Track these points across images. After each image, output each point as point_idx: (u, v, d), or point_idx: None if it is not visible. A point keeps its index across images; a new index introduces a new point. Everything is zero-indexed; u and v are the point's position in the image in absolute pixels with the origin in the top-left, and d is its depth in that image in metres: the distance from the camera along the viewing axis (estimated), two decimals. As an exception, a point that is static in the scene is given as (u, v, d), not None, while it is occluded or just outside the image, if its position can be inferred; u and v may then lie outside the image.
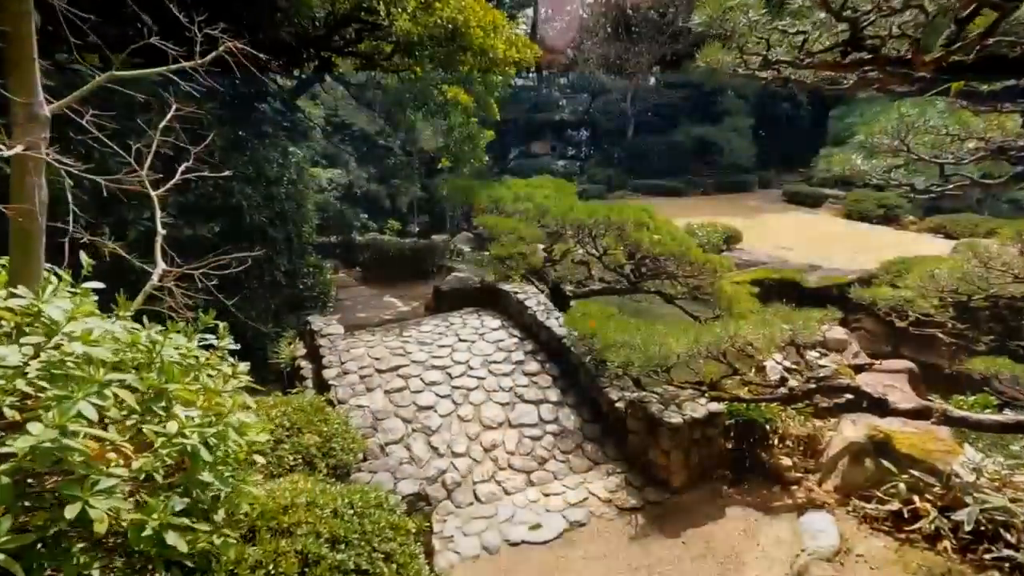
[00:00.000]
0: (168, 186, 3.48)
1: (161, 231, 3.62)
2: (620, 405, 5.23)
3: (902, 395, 6.38)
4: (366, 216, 13.33)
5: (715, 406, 4.97)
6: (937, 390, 7.58)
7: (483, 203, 8.12)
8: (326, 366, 5.32)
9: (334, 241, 13.06)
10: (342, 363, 5.35)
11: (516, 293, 6.97)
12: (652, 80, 27.22)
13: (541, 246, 9.11)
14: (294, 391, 5.60)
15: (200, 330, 2.49)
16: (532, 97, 28.17)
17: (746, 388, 5.53)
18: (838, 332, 8.25)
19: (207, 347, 2.52)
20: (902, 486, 4.17)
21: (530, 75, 29.08)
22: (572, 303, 9.16)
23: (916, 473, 4.22)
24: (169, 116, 3.47)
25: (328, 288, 8.32)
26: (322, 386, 5.18)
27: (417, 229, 17.23)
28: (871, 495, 4.30)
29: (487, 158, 20.33)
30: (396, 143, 17.30)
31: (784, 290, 11.92)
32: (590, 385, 5.57)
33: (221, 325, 2.46)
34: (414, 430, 5.07)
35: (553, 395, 5.64)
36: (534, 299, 6.74)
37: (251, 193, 7.13)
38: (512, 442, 5.09)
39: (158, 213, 3.51)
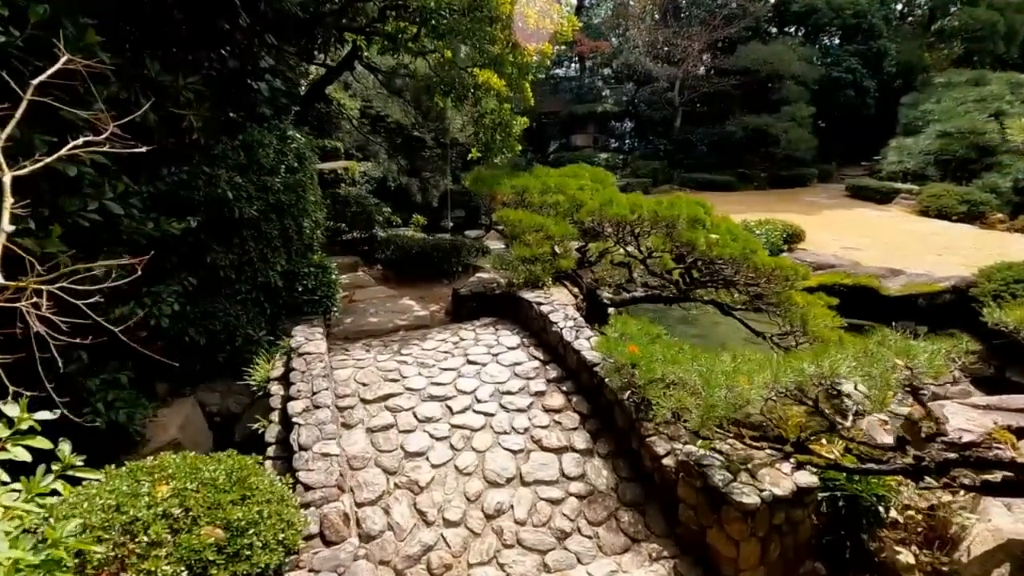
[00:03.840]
0: (37, 167, 2.34)
1: (6, 227, 2.41)
2: (669, 463, 3.82)
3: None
4: (389, 211, 12.23)
5: (804, 477, 3.49)
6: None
7: (506, 195, 6.79)
8: (293, 396, 4.14)
9: (358, 237, 12.04)
10: (314, 393, 4.16)
11: (539, 304, 5.62)
12: (702, 68, 25.10)
13: (576, 244, 7.73)
14: (255, 425, 4.48)
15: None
16: (574, 87, 26.57)
17: (841, 443, 4.02)
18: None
19: None
20: (1116, 633, 2.65)
21: (573, 65, 27.47)
22: (609, 311, 7.76)
23: None
24: (51, 72, 2.33)
25: (333, 291, 7.19)
26: (286, 423, 4.01)
27: (451, 224, 16.17)
28: (1059, 638, 2.79)
29: (525, 149, 19.08)
30: (429, 135, 16.23)
31: (859, 298, 10.11)
32: (629, 430, 4.18)
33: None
34: (397, 486, 3.83)
35: (580, 441, 4.28)
36: (561, 312, 5.38)
37: (241, 182, 6.05)
38: (524, 507, 3.77)
39: (7, 201, 2.34)
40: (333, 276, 7.35)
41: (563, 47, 24.63)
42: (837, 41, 26.50)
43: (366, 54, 11.44)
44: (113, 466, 2.67)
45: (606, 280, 7.94)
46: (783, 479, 3.43)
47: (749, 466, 3.56)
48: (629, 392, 4.29)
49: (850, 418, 4.26)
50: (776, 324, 7.01)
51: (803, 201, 19.59)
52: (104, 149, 2.53)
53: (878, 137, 23.40)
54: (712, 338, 10.04)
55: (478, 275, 8.92)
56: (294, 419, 3.89)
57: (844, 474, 3.67)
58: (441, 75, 10.17)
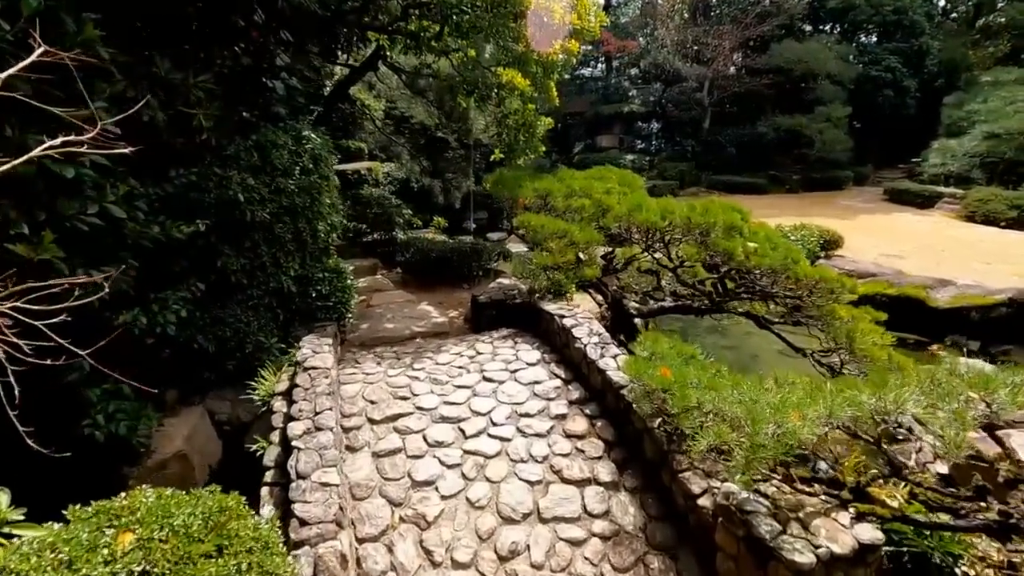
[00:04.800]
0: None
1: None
2: (705, 503, 3.37)
3: None
4: (409, 212, 11.95)
5: (867, 532, 2.99)
6: None
7: (528, 198, 6.37)
8: (294, 416, 3.81)
9: (379, 238, 11.79)
10: (316, 413, 3.82)
11: (562, 316, 5.19)
12: (732, 68, 24.26)
13: (602, 250, 7.29)
14: (253, 447, 4.18)
15: None
16: (600, 87, 25.99)
17: (904, 487, 3.50)
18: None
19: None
20: None
21: (599, 65, 26.87)
22: (636, 321, 7.30)
23: None
24: (23, 65, 2.05)
25: (348, 297, 6.89)
26: (286, 445, 3.68)
27: (473, 226, 15.86)
28: None
29: (549, 151, 18.64)
30: (452, 135, 15.95)
31: (903, 310, 9.40)
32: (659, 463, 3.74)
33: None
34: (403, 519, 3.46)
35: (605, 472, 3.85)
36: (585, 327, 4.94)
37: (254, 184, 5.78)
38: (541, 548, 3.36)
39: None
40: (348, 281, 7.05)
41: (589, 47, 24.10)
42: (875, 39, 25.34)
43: (389, 54, 11.17)
44: (79, 505, 2.37)
45: (632, 287, 7.48)
46: (841, 533, 2.95)
47: (800, 515, 3.08)
48: (660, 419, 3.84)
49: (913, 456, 3.74)
50: (817, 339, 6.47)
51: (838, 205, 18.70)
52: (83, 150, 2.24)
53: (918, 139, 22.28)
54: (744, 350, 9.48)
55: (498, 281, 8.54)
56: (293, 442, 3.56)
57: (912, 526, 3.16)
58: (464, 74, 9.85)
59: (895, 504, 3.30)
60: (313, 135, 6.83)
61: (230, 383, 5.76)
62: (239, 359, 5.71)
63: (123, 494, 2.48)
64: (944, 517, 3.19)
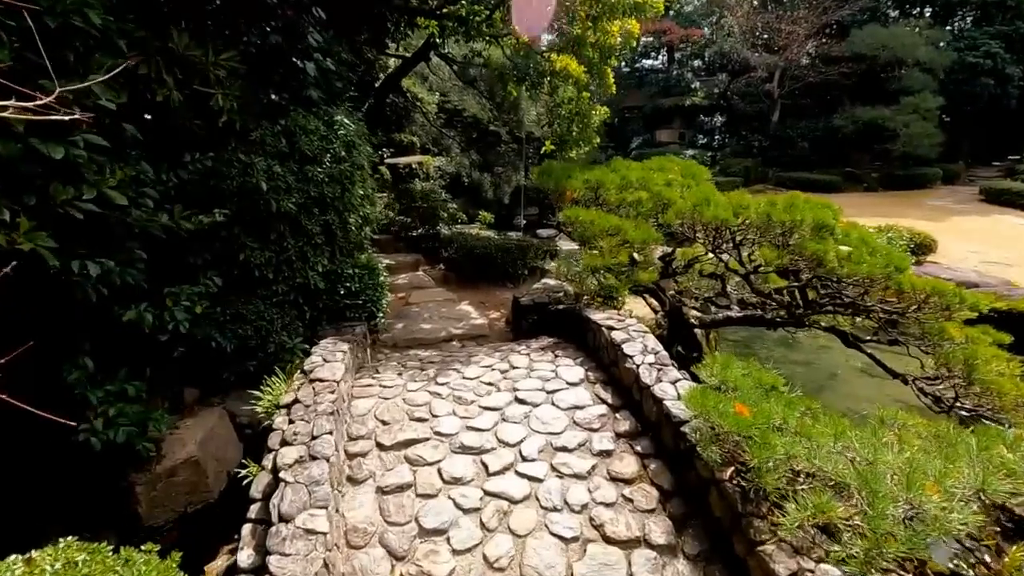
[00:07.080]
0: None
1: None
2: (795, 594, 2.47)
3: None
4: (455, 207, 11.35)
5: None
6: None
7: (577, 191, 5.53)
8: (288, 440, 3.20)
9: (423, 233, 11.26)
10: (313, 437, 3.18)
11: (611, 328, 4.34)
12: (806, 57, 22.20)
13: (660, 250, 6.37)
14: (242, 473, 3.61)
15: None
16: (660, 80, 24.51)
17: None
18: None
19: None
20: None
21: (660, 57, 25.36)
22: (696, 332, 6.33)
23: None
24: None
25: (380, 295, 6.32)
26: (276, 475, 3.07)
27: (523, 222, 15.14)
28: None
29: (605, 145, 17.62)
30: (503, 128, 15.27)
31: (1016, 327, 7.87)
32: (732, 526, 2.86)
33: None
34: (405, 578, 2.77)
35: (658, 531, 3.00)
36: (638, 342, 4.07)
37: (280, 172, 5.26)
38: (574, 631, 2.58)
39: None
40: (381, 278, 6.47)
41: (650, 37, 22.72)
42: (972, 22, 22.49)
43: (440, 41, 10.60)
44: (-31, 571, 1.81)
45: (692, 292, 6.51)
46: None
47: (940, 633, 2.15)
48: (733, 469, 2.95)
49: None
50: (917, 361, 5.33)
51: (926, 205, 16.59)
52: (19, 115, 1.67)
53: (1020, 133, 19.55)
54: (820, 366, 8.25)
55: (544, 281, 7.77)
56: (281, 473, 2.94)
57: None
58: (515, 61, 9.13)
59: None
60: (347, 120, 6.26)
61: (252, 383, 5.31)
62: (260, 359, 5.24)
63: (32, 552, 1.90)
64: None
